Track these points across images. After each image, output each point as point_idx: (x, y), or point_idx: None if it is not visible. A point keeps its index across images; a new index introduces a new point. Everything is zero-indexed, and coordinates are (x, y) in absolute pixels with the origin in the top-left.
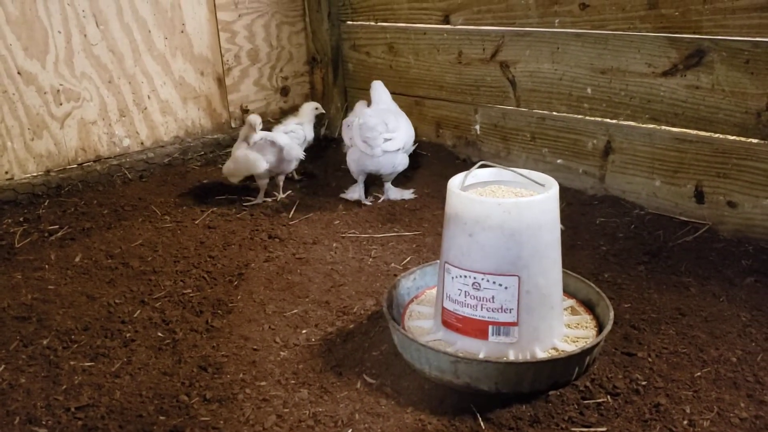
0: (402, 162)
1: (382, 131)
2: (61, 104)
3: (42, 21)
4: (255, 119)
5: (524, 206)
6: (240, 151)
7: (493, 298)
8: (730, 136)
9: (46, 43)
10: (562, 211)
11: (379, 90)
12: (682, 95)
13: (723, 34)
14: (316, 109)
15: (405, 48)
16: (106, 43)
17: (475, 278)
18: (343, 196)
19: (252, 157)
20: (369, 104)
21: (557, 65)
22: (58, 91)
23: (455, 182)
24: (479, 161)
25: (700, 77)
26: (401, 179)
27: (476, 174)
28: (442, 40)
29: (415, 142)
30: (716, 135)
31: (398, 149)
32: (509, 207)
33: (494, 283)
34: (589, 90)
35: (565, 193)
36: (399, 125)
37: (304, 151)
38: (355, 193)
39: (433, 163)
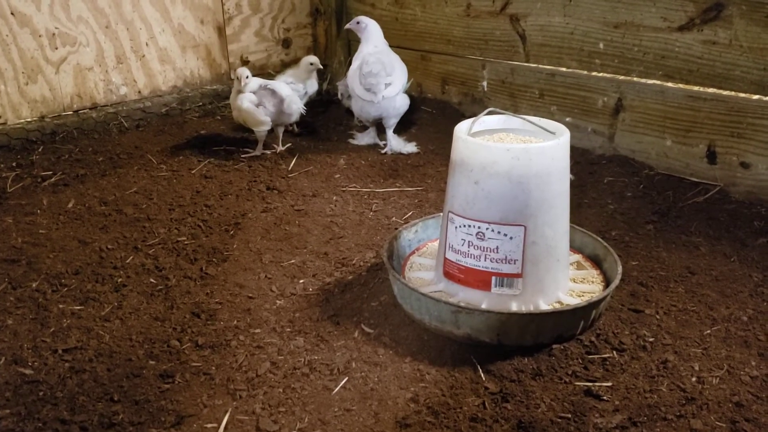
0: (403, 103)
1: (384, 76)
2: (56, 48)
3: None
4: (242, 72)
5: (534, 152)
6: (247, 103)
7: (497, 248)
8: (747, 94)
9: None
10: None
11: (372, 29)
12: (697, 51)
13: None
14: (311, 64)
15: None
16: None
17: (479, 228)
18: (353, 141)
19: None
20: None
21: (569, 19)
22: (54, 34)
23: (462, 128)
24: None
25: (718, 32)
26: (403, 133)
27: (484, 121)
28: None
29: (408, 79)
30: (732, 93)
31: (397, 93)
32: (518, 153)
33: (499, 233)
34: (601, 45)
35: (573, 152)
36: (395, 66)
37: (305, 105)
38: (367, 137)
39: (437, 120)
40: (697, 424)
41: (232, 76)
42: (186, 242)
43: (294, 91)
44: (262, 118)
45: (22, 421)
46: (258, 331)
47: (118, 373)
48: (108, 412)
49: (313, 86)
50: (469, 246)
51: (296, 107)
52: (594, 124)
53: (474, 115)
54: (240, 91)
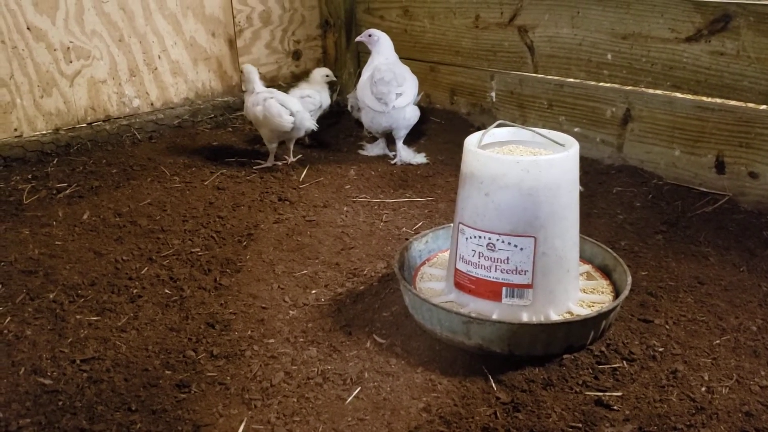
0: (413, 114)
1: (396, 86)
2: (71, 62)
3: None
4: (248, 68)
5: (543, 165)
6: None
7: (507, 259)
8: (755, 104)
9: None
10: None
11: (384, 42)
12: (705, 62)
13: None
14: (326, 76)
15: (420, 11)
16: (116, 1)
17: (489, 239)
18: (363, 152)
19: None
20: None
21: (577, 30)
22: (68, 48)
23: (472, 140)
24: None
25: (725, 43)
26: (413, 144)
27: (494, 133)
28: (459, 3)
29: (419, 92)
30: (740, 103)
31: (408, 104)
32: (528, 165)
33: (509, 244)
34: (609, 56)
35: (581, 162)
36: (405, 77)
37: (321, 117)
38: (377, 147)
39: (446, 131)
40: None
41: (243, 88)
42: (200, 253)
43: (310, 103)
44: (286, 117)
45: (42, 430)
46: (272, 341)
47: (135, 383)
48: (126, 421)
49: (326, 99)
50: (479, 257)
51: (307, 124)
52: (603, 135)
53: (483, 125)
54: (249, 92)
